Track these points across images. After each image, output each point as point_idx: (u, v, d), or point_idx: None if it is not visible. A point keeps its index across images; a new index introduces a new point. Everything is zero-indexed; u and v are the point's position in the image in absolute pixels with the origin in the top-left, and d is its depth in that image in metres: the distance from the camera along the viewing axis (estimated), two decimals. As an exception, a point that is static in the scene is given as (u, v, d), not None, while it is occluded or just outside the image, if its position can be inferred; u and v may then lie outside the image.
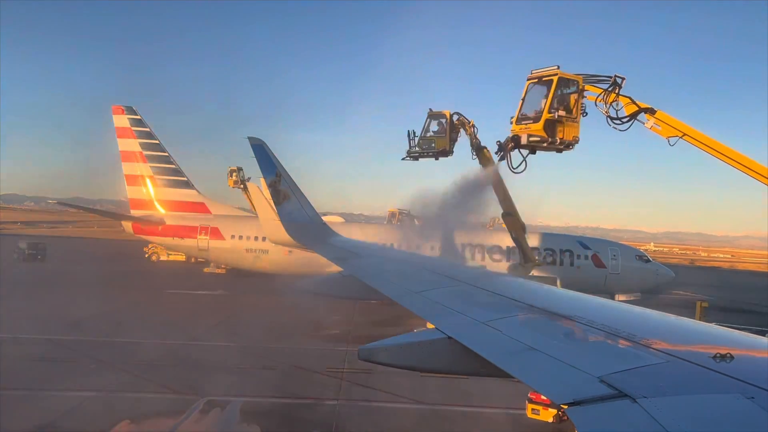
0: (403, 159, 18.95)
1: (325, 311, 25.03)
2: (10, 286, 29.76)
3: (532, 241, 31.76)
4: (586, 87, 15.94)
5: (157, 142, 37.13)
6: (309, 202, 18.53)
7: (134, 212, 36.87)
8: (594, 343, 4.40)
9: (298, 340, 21.59)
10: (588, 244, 32.35)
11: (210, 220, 35.65)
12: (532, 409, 13.84)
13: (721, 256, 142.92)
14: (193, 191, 37.49)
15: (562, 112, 15.28)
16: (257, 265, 34.36)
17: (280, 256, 30.93)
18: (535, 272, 25.76)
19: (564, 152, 16.33)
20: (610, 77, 15.64)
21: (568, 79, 15.61)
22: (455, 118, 18.41)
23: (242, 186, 39.65)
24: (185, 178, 37.54)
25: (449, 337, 4.84)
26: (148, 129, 36.81)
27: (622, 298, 28.08)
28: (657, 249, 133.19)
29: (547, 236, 33.04)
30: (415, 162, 18.90)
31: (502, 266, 29.60)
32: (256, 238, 33.33)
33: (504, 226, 22.20)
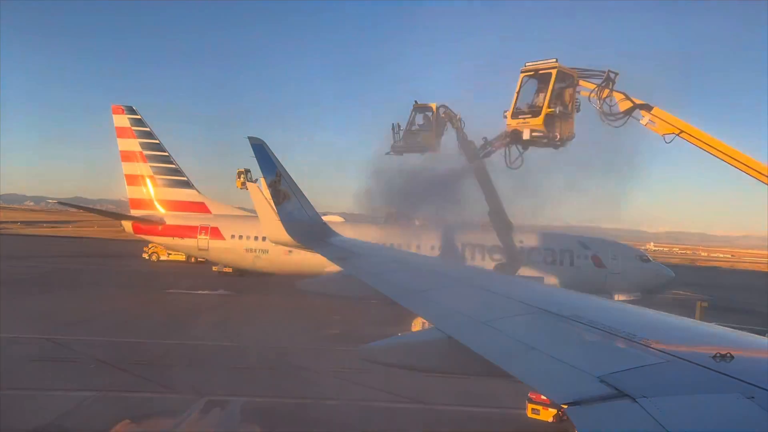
0: (387, 154, 18.24)
1: (325, 311, 25.04)
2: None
3: (532, 240, 31.76)
4: (580, 82, 15.57)
5: (157, 141, 37.14)
6: (309, 202, 18.51)
7: (134, 212, 36.88)
8: (594, 343, 4.40)
9: (298, 340, 21.58)
10: (588, 244, 32.28)
11: (210, 219, 35.66)
12: (532, 409, 13.82)
13: (721, 256, 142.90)
14: (193, 191, 37.51)
15: (560, 107, 14.94)
16: (257, 265, 34.37)
17: (280, 256, 30.93)
18: (523, 271, 25.69)
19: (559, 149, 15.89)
20: (603, 72, 15.20)
21: (565, 73, 15.14)
22: (442, 111, 17.68)
23: None
24: (185, 178, 37.55)
25: (449, 337, 4.85)
26: (148, 129, 36.81)
27: (622, 298, 28.04)
28: (657, 249, 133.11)
29: (547, 236, 33.02)
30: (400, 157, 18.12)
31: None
32: (256, 238, 33.34)
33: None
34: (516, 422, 14.21)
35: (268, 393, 15.66)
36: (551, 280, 28.64)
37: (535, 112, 15.00)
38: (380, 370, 13.89)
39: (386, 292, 7.86)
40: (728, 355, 3.45)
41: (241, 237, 34.32)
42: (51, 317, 23.14)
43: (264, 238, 30.71)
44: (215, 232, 34.66)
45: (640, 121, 15.20)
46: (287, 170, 18.34)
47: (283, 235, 19.05)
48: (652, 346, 3.92)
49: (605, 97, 15.15)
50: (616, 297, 27.87)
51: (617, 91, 15.15)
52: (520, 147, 15.77)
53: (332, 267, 16.21)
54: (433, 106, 17.80)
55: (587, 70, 15.60)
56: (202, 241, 34.69)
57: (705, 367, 3.35)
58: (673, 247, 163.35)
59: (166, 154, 37.17)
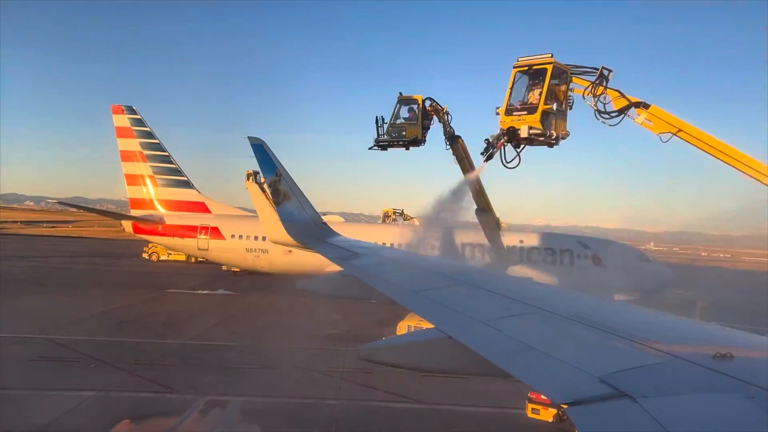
0: (370, 148, 17.74)
1: (324, 311, 25.03)
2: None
3: (532, 240, 31.77)
4: (573, 79, 15.10)
5: (157, 141, 37.16)
6: (309, 202, 18.50)
7: (134, 212, 36.91)
8: (594, 342, 4.39)
9: (299, 340, 21.58)
10: (588, 243, 32.30)
11: (210, 219, 35.68)
12: (532, 409, 13.83)
13: (721, 256, 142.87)
14: (193, 191, 37.52)
15: (555, 104, 14.35)
16: (257, 265, 34.38)
17: (280, 255, 30.94)
18: (523, 271, 25.62)
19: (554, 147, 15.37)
20: (597, 69, 14.82)
21: (560, 69, 14.66)
22: (428, 103, 17.11)
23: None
24: (185, 178, 37.56)
25: (449, 337, 4.84)
26: (148, 128, 36.84)
27: (622, 298, 28.01)
28: (657, 249, 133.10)
29: (546, 236, 33.02)
30: (384, 152, 17.68)
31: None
32: (256, 238, 33.34)
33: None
34: (516, 422, 14.23)
35: (268, 393, 15.65)
36: (551, 279, 28.65)
37: (529, 109, 14.45)
38: (380, 370, 13.92)
39: (386, 291, 7.85)
40: (728, 355, 3.45)
41: (241, 237, 34.32)
42: (51, 317, 23.14)
43: (264, 238, 30.73)
44: (215, 232, 34.67)
45: (635, 120, 14.80)
46: (287, 170, 18.35)
47: (283, 235, 19.02)
48: (652, 346, 3.92)
49: (600, 95, 14.78)
50: (616, 297, 27.87)
51: (611, 89, 14.80)
52: (514, 146, 15.20)
53: (332, 267, 16.19)
54: (419, 98, 17.26)
55: (580, 67, 15.21)
56: (202, 241, 34.71)
57: (705, 367, 3.35)
58: (673, 247, 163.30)
59: (166, 154, 37.19)
